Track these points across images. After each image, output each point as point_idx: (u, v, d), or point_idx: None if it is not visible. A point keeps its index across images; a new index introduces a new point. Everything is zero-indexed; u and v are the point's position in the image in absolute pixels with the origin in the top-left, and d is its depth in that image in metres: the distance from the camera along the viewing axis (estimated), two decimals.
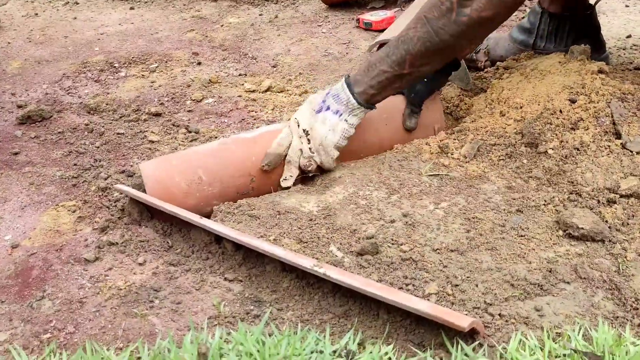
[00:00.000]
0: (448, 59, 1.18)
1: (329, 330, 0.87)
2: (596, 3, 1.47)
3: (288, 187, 1.20)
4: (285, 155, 1.20)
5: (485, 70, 1.59)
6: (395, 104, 1.28)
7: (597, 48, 1.49)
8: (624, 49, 1.73)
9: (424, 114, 1.29)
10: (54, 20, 2.39)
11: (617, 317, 0.87)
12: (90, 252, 1.09)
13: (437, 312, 0.80)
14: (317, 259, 1.00)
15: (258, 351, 0.81)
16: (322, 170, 1.22)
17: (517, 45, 1.55)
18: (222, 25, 2.22)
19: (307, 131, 1.19)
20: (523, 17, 1.65)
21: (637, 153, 1.12)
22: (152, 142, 1.47)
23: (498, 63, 1.50)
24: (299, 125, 1.20)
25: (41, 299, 1.00)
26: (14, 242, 1.14)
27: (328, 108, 1.18)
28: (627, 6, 2.05)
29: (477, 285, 0.95)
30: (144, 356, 0.83)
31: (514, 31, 1.56)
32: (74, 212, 1.21)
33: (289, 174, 1.20)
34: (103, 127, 1.55)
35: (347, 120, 1.18)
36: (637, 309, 0.88)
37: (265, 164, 1.19)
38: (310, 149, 1.18)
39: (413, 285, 0.96)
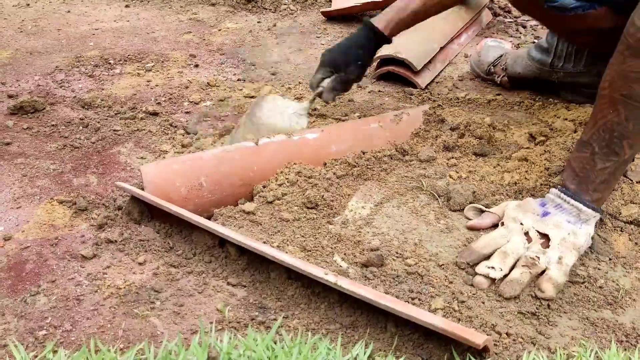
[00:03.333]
0: None
1: (340, 340, 0.86)
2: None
3: (494, 279, 0.99)
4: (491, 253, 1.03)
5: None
6: None
7: None
8: None
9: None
10: (47, 12, 2.34)
11: (621, 341, 0.88)
12: (88, 249, 1.06)
13: (452, 328, 0.80)
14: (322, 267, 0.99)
15: (269, 358, 0.79)
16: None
17: (535, 64, 1.58)
18: (219, 30, 2.21)
19: (540, 232, 1.03)
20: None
21: (637, 182, 1.15)
22: (150, 141, 1.44)
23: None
24: (521, 224, 1.05)
25: (36, 294, 0.96)
26: (6, 235, 1.09)
27: (555, 215, 1.05)
28: None
29: (483, 303, 0.95)
30: (150, 358, 0.81)
31: (532, 50, 1.59)
32: (69, 207, 1.17)
33: (500, 266, 0.99)
34: (99, 122, 1.52)
35: (587, 226, 1.03)
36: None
37: (465, 261, 1.02)
38: (544, 251, 1.00)
39: (419, 299, 0.95)
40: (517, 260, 1.01)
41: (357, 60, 1.38)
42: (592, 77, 1.51)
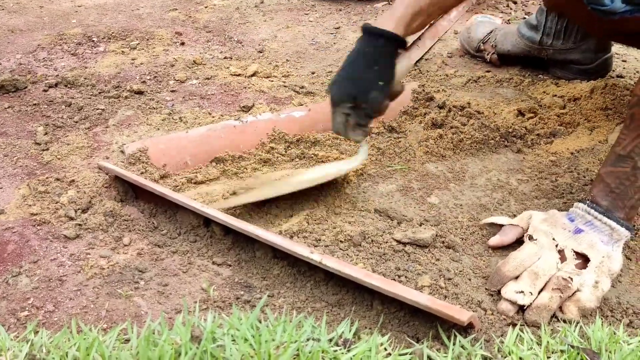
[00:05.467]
0: None
1: (325, 319, 0.85)
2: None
3: (522, 305, 0.87)
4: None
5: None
6: None
7: (603, 48, 1.52)
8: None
9: None
10: None
11: (607, 316, 0.88)
12: (70, 229, 1.04)
13: (437, 306, 0.79)
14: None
15: (253, 337, 0.78)
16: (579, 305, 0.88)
17: (524, 41, 1.56)
18: (206, 7, 2.17)
19: (576, 251, 0.92)
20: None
21: None
22: (134, 120, 1.42)
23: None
24: (553, 239, 0.94)
25: (17, 275, 0.95)
26: None
27: (589, 233, 0.94)
28: None
29: (470, 280, 0.95)
30: (133, 337, 0.80)
31: (522, 27, 1.57)
32: (52, 187, 1.15)
33: (530, 290, 0.87)
34: (82, 101, 1.49)
35: (616, 251, 0.94)
36: (627, 309, 0.89)
37: (497, 289, 0.91)
38: (579, 272, 0.90)
39: (405, 277, 0.95)
40: (548, 281, 0.89)
41: (377, 80, 1.03)
42: (582, 53, 1.50)
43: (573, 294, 0.87)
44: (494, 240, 1.01)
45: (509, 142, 1.29)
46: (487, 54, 1.66)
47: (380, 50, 1.03)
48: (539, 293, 0.87)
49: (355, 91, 1.03)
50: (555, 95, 1.44)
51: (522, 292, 0.87)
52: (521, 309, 0.87)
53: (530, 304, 0.86)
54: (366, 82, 1.03)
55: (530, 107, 1.39)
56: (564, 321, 0.86)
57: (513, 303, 0.87)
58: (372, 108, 1.03)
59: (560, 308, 0.87)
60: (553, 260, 0.91)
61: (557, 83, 1.50)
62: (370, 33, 1.03)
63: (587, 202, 0.97)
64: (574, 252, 0.92)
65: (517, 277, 0.90)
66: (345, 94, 1.03)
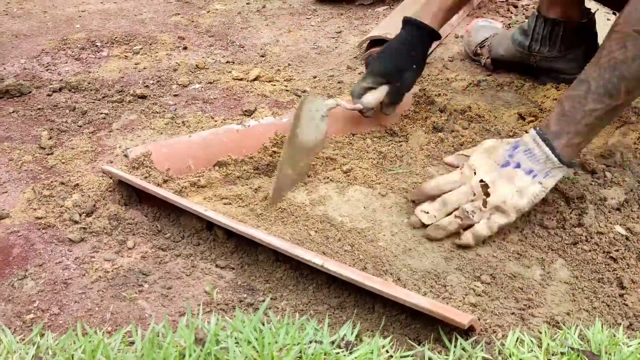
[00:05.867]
0: None
1: (327, 321, 0.86)
2: (594, 12, 1.50)
3: (424, 224, 1.03)
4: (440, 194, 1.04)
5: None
6: None
7: (591, 58, 1.51)
8: None
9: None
10: None
11: (607, 319, 0.89)
12: (75, 233, 1.05)
13: (437, 309, 0.80)
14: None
15: (256, 339, 0.79)
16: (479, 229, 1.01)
17: (515, 46, 1.57)
18: (208, 11, 2.18)
19: (487, 184, 1.00)
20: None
21: None
22: (138, 124, 1.43)
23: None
24: (475, 173, 1.02)
25: (23, 278, 0.96)
26: None
27: (518, 165, 1.00)
28: (608, 19, 2.11)
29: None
30: (137, 340, 0.81)
31: (515, 32, 1.58)
32: (57, 191, 1.16)
33: (434, 213, 1.02)
34: (85, 106, 1.50)
35: (541, 184, 0.99)
36: (627, 312, 0.90)
37: (412, 199, 1.06)
38: (483, 202, 0.99)
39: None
40: (455, 209, 1.02)
41: (412, 64, 1.25)
42: (567, 62, 1.50)
43: (472, 224, 1.00)
44: (448, 159, 1.20)
45: None
46: (483, 58, 1.67)
47: (417, 40, 1.25)
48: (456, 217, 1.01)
49: (392, 69, 1.24)
50: (556, 99, 1.45)
51: (427, 212, 1.03)
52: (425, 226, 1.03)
53: (432, 223, 1.02)
54: (403, 63, 1.24)
55: (530, 111, 1.40)
56: (461, 247, 1.00)
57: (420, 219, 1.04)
58: (404, 86, 1.25)
59: (460, 237, 1.01)
60: (465, 195, 1.02)
61: (557, 87, 1.51)
62: (411, 24, 1.24)
63: (539, 127, 1.01)
64: (488, 186, 1.01)
65: (434, 198, 1.04)
66: (384, 67, 1.24)
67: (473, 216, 1.00)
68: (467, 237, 1.00)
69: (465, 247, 1.01)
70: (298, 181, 1.16)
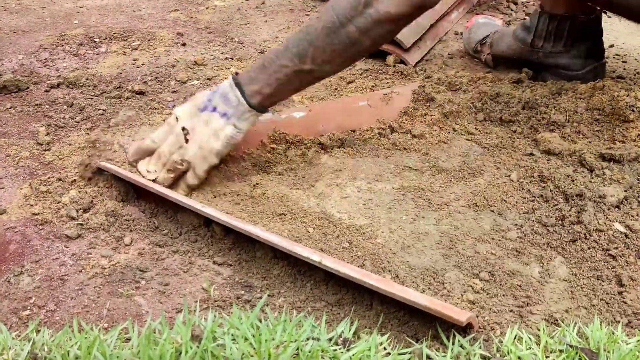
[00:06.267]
0: (350, 60, 1.10)
1: (324, 318, 0.85)
2: (601, 10, 1.50)
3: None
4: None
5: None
6: None
7: (595, 54, 1.51)
8: (607, 58, 1.77)
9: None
10: None
11: (606, 317, 0.89)
12: (72, 229, 1.04)
13: (435, 306, 0.79)
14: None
15: (253, 336, 0.79)
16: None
17: (517, 43, 1.56)
18: (207, 8, 2.18)
19: (187, 131, 1.06)
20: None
21: None
22: (136, 120, 1.42)
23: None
24: (177, 120, 1.08)
25: (19, 274, 0.96)
26: None
27: (214, 109, 1.06)
28: (609, 16, 2.10)
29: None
30: (134, 336, 0.80)
31: (517, 28, 1.57)
32: (54, 187, 1.16)
33: (154, 168, 1.08)
34: (83, 102, 1.50)
35: (235, 125, 1.06)
36: (626, 309, 0.89)
37: (131, 160, 1.10)
38: (185, 148, 1.05)
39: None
40: (171, 155, 1.07)
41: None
42: (571, 58, 1.49)
43: (184, 173, 1.07)
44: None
45: None
46: (483, 55, 1.67)
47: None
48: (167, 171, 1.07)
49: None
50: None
51: (149, 172, 1.08)
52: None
53: (156, 178, 1.07)
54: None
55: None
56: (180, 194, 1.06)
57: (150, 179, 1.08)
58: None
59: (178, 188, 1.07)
60: (172, 144, 1.06)
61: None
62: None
63: (234, 74, 1.08)
64: (183, 129, 1.05)
65: (152, 153, 1.09)
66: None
67: (182, 166, 1.06)
68: (181, 188, 1.08)
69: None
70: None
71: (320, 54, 1.04)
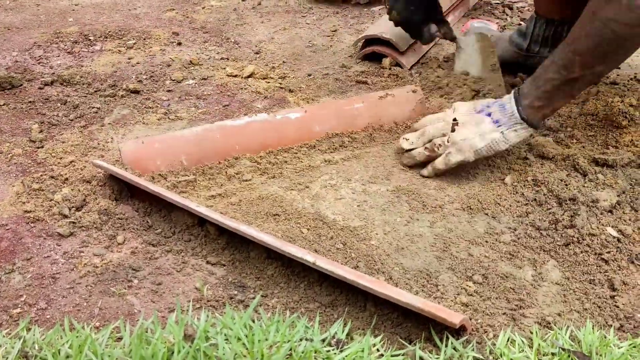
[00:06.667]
0: (625, 55, 1.06)
1: (318, 319, 0.85)
2: None
3: (402, 149, 1.21)
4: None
5: None
6: None
7: None
8: None
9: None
10: None
11: (598, 321, 0.89)
12: (64, 227, 1.04)
13: (429, 308, 0.79)
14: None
15: (246, 336, 0.78)
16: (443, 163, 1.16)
17: (513, 48, 1.57)
18: (203, 7, 2.17)
19: (457, 122, 1.13)
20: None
21: None
22: (130, 119, 1.42)
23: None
24: (454, 111, 1.16)
25: (10, 272, 0.95)
26: None
27: (489, 114, 1.12)
28: None
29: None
30: (126, 336, 0.80)
31: (514, 34, 1.58)
32: (46, 185, 1.15)
33: (414, 139, 1.19)
34: (77, 100, 1.49)
35: (503, 133, 1.11)
36: (617, 313, 0.90)
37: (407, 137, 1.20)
38: (449, 137, 1.13)
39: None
40: (434, 138, 1.16)
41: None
42: None
43: (436, 157, 1.15)
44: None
45: None
46: None
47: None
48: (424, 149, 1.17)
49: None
50: None
51: (407, 139, 1.19)
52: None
53: (410, 149, 1.19)
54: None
55: None
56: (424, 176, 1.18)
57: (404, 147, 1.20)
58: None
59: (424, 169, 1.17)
60: (440, 129, 1.16)
61: None
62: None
63: (515, 90, 1.13)
64: (455, 120, 1.14)
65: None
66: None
67: (438, 149, 1.15)
68: (427, 170, 1.17)
69: (426, 177, 1.18)
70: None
71: (590, 59, 1.03)
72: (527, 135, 1.13)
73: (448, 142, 1.13)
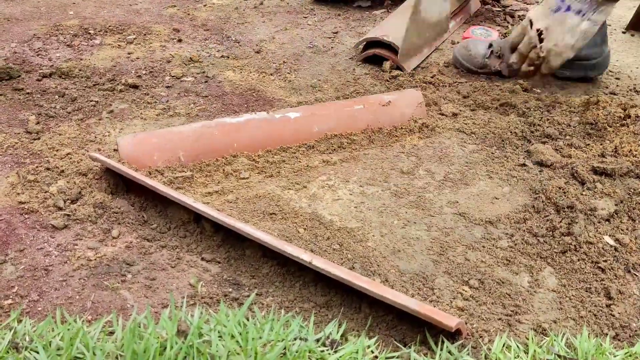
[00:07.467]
0: None
1: (312, 319, 0.84)
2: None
3: (513, 70, 1.34)
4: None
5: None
6: None
7: (606, 39, 1.59)
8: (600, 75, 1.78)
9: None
10: None
11: (594, 329, 0.89)
12: (59, 219, 1.03)
13: (425, 310, 0.79)
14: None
15: (240, 334, 0.78)
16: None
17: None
18: (205, 5, 2.17)
19: (542, 31, 1.20)
20: None
21: None
22: (128, 113, 1.41)
23: None
24: (531, 26, 1.22)
25: (3, 263, 0.94)
26: None
27: (568, 8, 1.16)
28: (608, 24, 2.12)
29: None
30: (118, 330, 0.79)
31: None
32: (42, 176, 1.14)
33: (514, 60, 1.32)
34: (75, 92, 1.48)
35: (590, 20, 1.16)
36: (614, 322, 0.89)
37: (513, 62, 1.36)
38: (541, 47, 1.21)
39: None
40: (528, 53, 1.27)
41: None
42: (591, 48, 1.52)
43: (540, 63, 1.27)
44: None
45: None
46: (494, 67, 1.64)
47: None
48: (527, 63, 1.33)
49: None
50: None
51: (512, 61, 1.36)
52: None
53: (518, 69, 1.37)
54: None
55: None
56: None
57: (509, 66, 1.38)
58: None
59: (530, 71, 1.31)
60: (528, 44, 1.26)
61: (561, 86, 1.51)
62: None
63: None
64: (538, 31, 1.22)
65: (513, 50, 1.37)
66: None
67: (537, 61, 1.27)
68: (545, 70, 1.29)
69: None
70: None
71: None
72: (612, 10, 1.18)
73: (542, 52, 1.22)
